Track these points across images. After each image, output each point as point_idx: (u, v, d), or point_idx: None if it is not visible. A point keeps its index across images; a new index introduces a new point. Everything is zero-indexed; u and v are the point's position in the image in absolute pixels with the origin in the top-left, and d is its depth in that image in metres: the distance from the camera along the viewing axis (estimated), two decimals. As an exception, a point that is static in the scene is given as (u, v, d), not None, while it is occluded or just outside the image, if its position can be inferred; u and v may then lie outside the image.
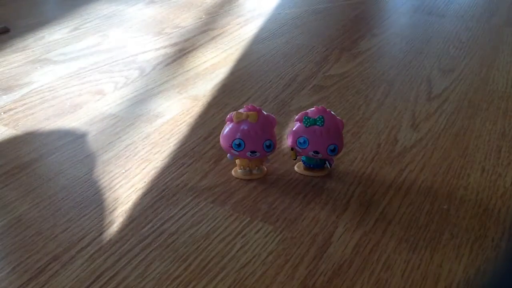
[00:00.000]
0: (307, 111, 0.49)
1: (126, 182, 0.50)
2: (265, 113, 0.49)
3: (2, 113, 0.63)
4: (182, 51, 0.83)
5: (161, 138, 0.57)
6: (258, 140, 0.48)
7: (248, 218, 0.45)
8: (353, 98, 0.67)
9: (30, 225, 0.44)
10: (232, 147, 0.48)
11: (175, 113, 0.63)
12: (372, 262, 0.40)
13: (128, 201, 0.47)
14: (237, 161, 0.50)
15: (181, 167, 0.52)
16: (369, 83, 0.72)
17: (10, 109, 0.64)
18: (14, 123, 0.61)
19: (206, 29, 0.93)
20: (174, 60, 0.79)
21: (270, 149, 0.48)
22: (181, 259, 0.41)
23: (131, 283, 0.38)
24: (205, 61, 0.79)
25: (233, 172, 0.51)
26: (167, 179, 0.50)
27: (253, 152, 0.48)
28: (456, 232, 0.44)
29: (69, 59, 0.79)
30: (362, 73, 0.75)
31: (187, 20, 0.98)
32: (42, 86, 0.70)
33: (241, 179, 0.50)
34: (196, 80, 0.72)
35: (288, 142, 0.50)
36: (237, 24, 0.95)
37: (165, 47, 0.84)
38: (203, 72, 0.75)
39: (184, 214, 0.45)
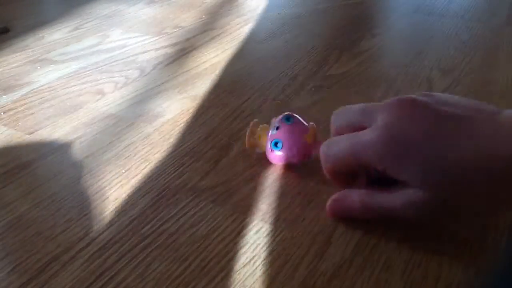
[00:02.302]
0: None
1: (126, 182, 0.50)
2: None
3: (2, 113, 0.63)
4: (182, 51, 0.83)
5: (161, 138, 0.57)
6: None
7: (248, 218, 0.45)
8: (353, 98, 0.67)
9: (30, 225, 0.44)
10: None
11: (175, 113, 0.63)
12: (372, 262, 0.40)
13: (128, 201, 0.47)
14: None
15: (181, 167, 0.52)
16: (369, 83, 0.72)
17: (10, 109, 0.64)
18: (14, 123, 0.61)
19: (206, 29, 0.93)
20: (174, 60, 0.79)
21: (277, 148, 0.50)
22: (181, 259, 0.41)
23: (131, 283, 0.38)
24: (205, 61, 0.79)
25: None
26: (167, 179, 0.50)
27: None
28: (456, 232, 0.44)
29: (69, 59, 0.79)
30: (362, 73, 0.75)
31: (187, 20, 0.98)
32: (42, 86, 0.70)
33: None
34: (196, 80, 0.72)
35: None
36: (237, 24, 0.95)
37: (165, 47, 0.84)
38: (203, 72, 0.75)
39: (184, 214, 0.45)
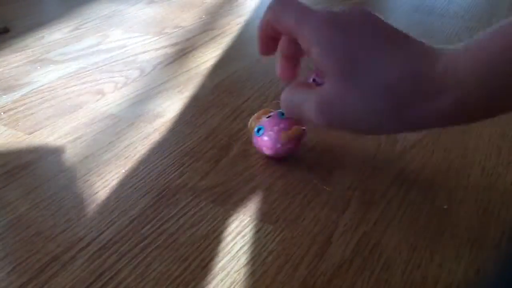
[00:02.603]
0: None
1: (126, 182, 0.50)
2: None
3: (2, 113, 0.63)
4: (182, 51, 0.83)
5: (161, 138, 0.57)
6: None
7: (248, 218, 0.45)
8: (353, 98, 0.67)
9: (30, 225, 0.44)
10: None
11: (175, 113, 0.63)
12: (372, 262, 0.40)
13: (128, 201, 0.47)
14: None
15: (181, 167, 0.52)
16: (369, 83, 0.72)
17: (10, 109, 0.64)
18: (14, 123, 0.61)
19: (206, 29, 0.93)
20: (174, 60, 0.79)
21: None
22: (181, 259, 0.41)
23: (131, 283, 0.38)
24: (205, 61, 0.79)
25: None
26: (167, 179, 0.50)
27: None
28: (456, 232, 0.44)
29: (69, 59, 0.79)
30: (362, 73, 0.75)
31: (187, 20, 0.98)
32: (42, 86, 0.70)
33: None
34: (196, 80, 0.72)
35: None
36: (237, 24, 0.95)
37: (165, 47, 0.84)
38: (203, 72, 0.75)
39: (184, 214, 0.45)
